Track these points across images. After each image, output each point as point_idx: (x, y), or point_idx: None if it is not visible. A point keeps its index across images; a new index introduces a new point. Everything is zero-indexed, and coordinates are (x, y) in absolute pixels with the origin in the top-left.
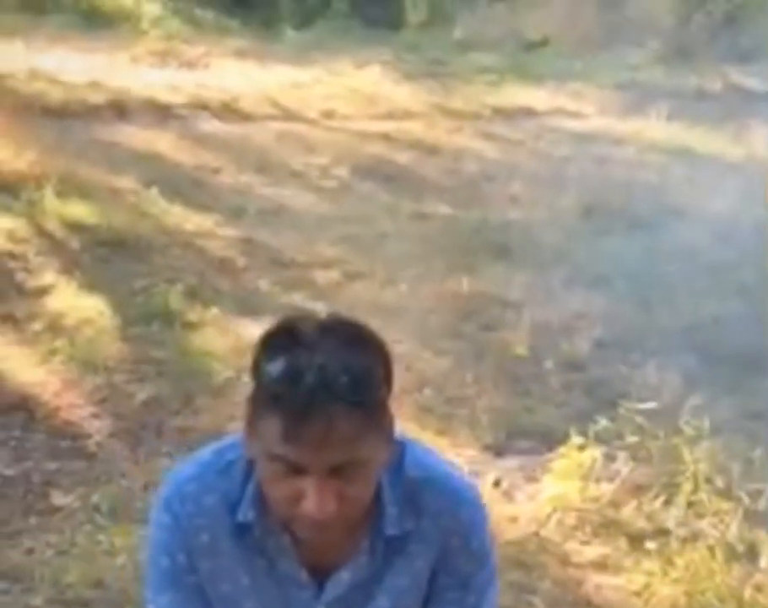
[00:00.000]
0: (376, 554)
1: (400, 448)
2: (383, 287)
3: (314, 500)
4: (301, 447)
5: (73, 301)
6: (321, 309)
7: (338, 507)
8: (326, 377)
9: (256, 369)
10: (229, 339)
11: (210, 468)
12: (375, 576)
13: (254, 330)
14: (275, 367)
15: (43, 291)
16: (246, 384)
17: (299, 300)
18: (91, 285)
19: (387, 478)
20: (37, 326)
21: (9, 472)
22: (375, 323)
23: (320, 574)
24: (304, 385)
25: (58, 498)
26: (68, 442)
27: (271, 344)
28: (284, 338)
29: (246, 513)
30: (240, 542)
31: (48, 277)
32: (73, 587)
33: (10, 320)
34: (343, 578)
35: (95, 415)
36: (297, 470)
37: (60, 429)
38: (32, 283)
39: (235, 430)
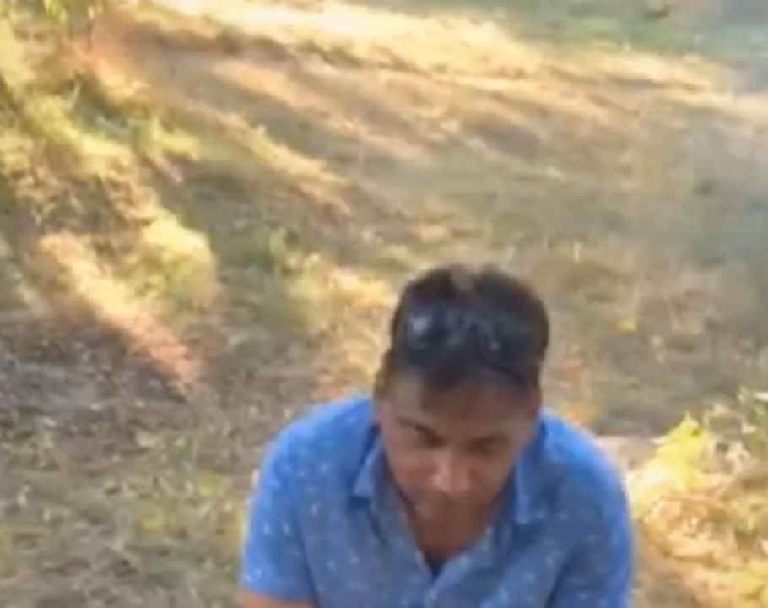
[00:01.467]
0: (501, 543)
1: (540, 429)
2: (490, 248)
3: (447, 475)
4: (441, 416)
5: (172, 237)
6: (423, 266)
7: (471, 485)
8: (476, 338)
9: (397, 322)
10: (328, 288)
11: (330, 432)
12: (497, 567)
13: (353, 281)
14: (420, 323)
15: (142, 223)
16: (342, 337)
17: (402, 254)
18: (191, 221)
19: (522, 461)
20: (133, 259)
21: (96, 407)
22: None
23: (436, 559)
24: (451, 345)
25: (144, 439)
26: (157, 382)
27: (418, 295)
28: (434, 291)
29: (364, 486)
30: (353, 517)
31: (148, 209)
32: (154, 533)
33: (106, 250)
34: (462, 564)
35: (186, 356)
36: (432, 441)
37: (149, 367)
38: (132, 214)
39: (327, 383)
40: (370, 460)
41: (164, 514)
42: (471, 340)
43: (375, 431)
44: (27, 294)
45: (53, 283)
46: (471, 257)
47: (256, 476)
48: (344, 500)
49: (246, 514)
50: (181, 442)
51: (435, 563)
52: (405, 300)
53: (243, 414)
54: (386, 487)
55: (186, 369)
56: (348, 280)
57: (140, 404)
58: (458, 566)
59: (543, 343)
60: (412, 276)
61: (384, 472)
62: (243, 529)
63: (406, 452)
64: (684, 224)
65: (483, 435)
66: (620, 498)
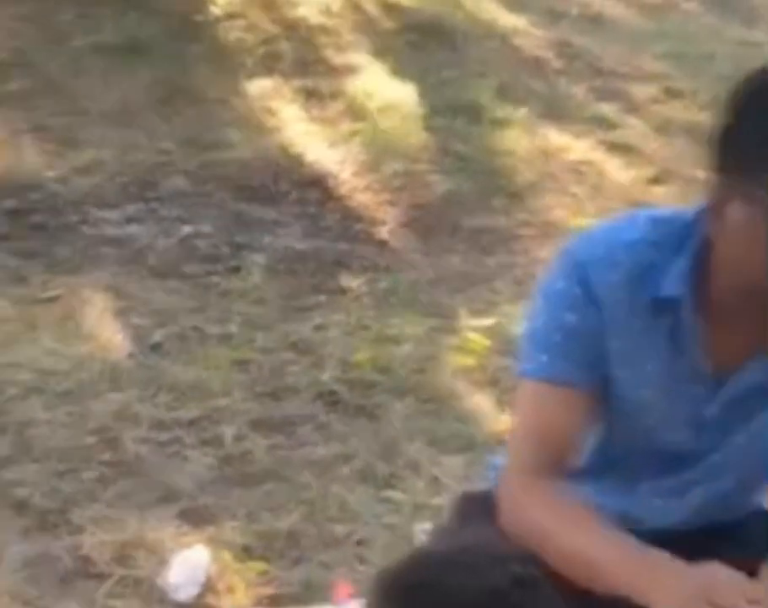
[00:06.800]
0: None
1: None
2: (702, 109)
3: None
4: None
5: (380, 84)
6: (634, 124)
7: None
8: None
9: None
10: (535, 142)
11: (644, 236)
12: None
13: (561, 135)
14: None
15: (351, 70)
16: (547, 190)
17: (612, 111)
18: (400, 69)
19: None
20: (340, 105)
21: (301, 247)
22: (687, 146)
23: (720, 374)
24: None
25: (347, 280)
26: (361, 226)
27: None
28: None
29: (675, 286)
30: (653, 322)
31: (358, 56)
32: (360, 367)
33: (315, 96)
34: (746, 377)
35: (390, 203)
36: None
37: (354, 211)
38: (341, 60)
39: (529, 236)
40: (681, 263)
41: (369, 350)
42: None
43: (686, 237)
44: (236, 135)
45: (261, 126)
46: (682, 116)
47: (460, 321)
48: (647, 304)
49: (448, 355)
50: (383, 284)
51: (720, 377)
52: None
53: (445, 262)
54: (692, 294)
55: (390, 215)
56: (555, 135)
57: (344, 246)
58: (743, 378)
59: None
60: None
61: (693, 278)
62: (443, 369)
63: None
64: None
65: None
66: None
